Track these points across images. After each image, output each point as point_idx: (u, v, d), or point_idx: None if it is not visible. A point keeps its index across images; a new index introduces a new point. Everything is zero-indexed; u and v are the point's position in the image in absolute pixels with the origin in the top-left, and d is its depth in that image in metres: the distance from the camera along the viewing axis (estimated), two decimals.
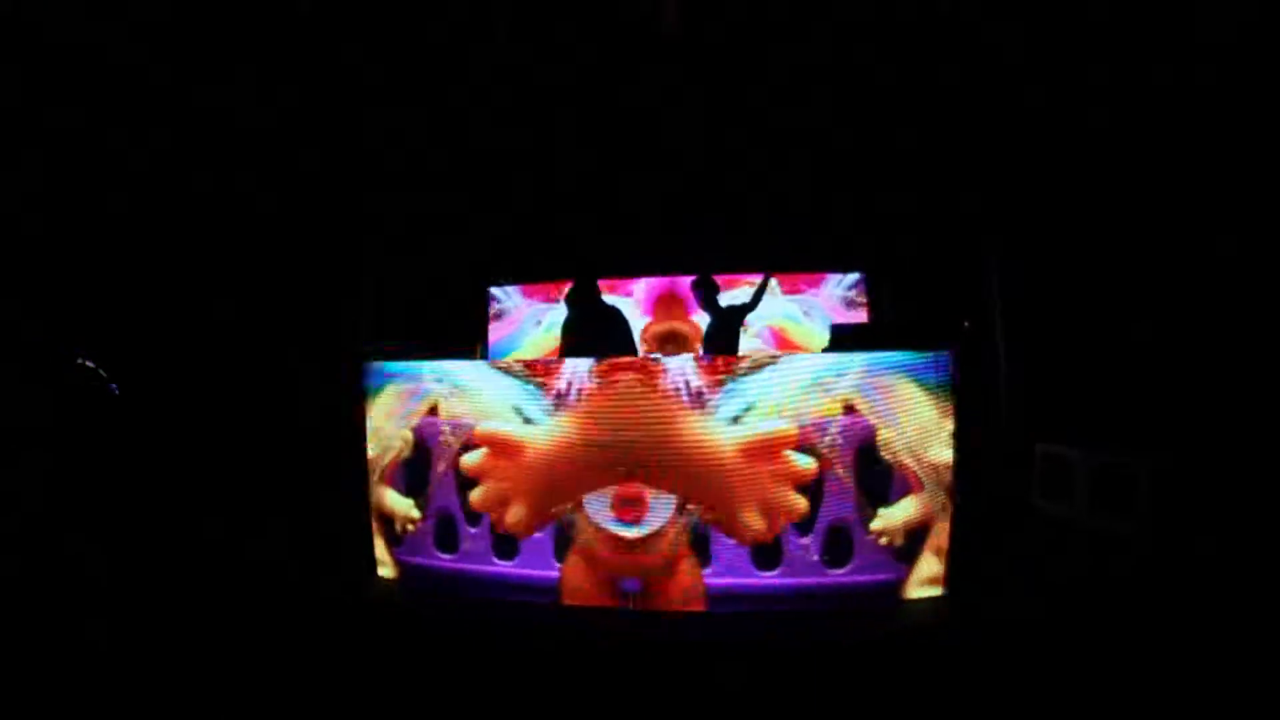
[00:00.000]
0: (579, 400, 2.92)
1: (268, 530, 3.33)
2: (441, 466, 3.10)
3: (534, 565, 3.03)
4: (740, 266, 4.53)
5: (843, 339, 3.25)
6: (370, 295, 3.86)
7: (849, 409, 2.83)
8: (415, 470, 3.16)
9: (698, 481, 2.86)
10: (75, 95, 3.16)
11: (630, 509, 2.91)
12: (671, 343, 4.64)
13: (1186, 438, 2.71)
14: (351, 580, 3.22)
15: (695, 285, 3.96)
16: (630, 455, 2.88)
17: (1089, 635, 2.52)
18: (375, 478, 3.23)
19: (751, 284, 4.26)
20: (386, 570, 3.25)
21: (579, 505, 2.95)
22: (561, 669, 2.64)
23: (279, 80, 3.35)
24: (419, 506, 3.16)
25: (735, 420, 2.84)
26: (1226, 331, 2.72)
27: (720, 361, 2.92)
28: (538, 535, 3.02)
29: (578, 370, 2.93)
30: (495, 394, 3.02)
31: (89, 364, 3.26)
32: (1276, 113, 2.61)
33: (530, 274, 4.69)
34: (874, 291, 4.75)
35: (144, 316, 3.59)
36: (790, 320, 4.70)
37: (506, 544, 3.06)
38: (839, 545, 2.87)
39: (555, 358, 3.55)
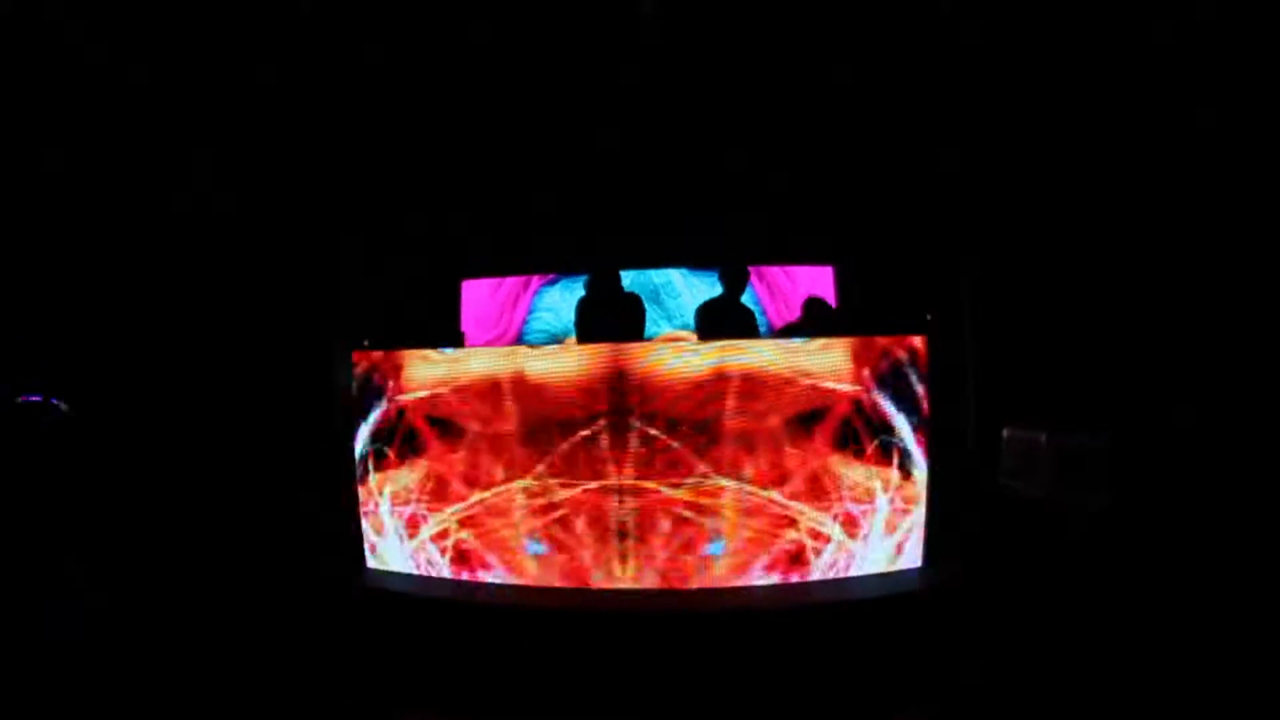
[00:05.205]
0: None
1: (256, 526, 3.30)
2: None
3: None
4: (718, 260, 4.59)
5: (819, 315, 3.35)
6: (352, 291, 3.82)
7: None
8: None
9: None
10: (62, 93, 3.07)
11: None
12: None
13: (1142, 417, 2.90)
14: (339, 575, 3.21)
15: (726, 271, 3.80)
16: None
17: (1051, 604, 2.68)
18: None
19: None
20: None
21: None
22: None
23: (261, 78, 3.30)
24: None
25: None
26: (1181, 319, 2.91)
27: None
28: None
29: None
30: None
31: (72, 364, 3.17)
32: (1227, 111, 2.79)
33: (508, 268, 4.70)
34: (844, 283, 4.91)
35: (126, 318, 3.52)
36: None
37: None
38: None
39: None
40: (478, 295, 4.90)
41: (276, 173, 3.66)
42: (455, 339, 4.49)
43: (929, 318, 3.45)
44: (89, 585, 3.03)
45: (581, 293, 3.87)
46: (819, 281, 4.87)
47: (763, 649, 2.67)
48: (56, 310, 3.36)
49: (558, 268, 4.79)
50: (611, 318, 3.51)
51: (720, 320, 3.62)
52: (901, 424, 3.00)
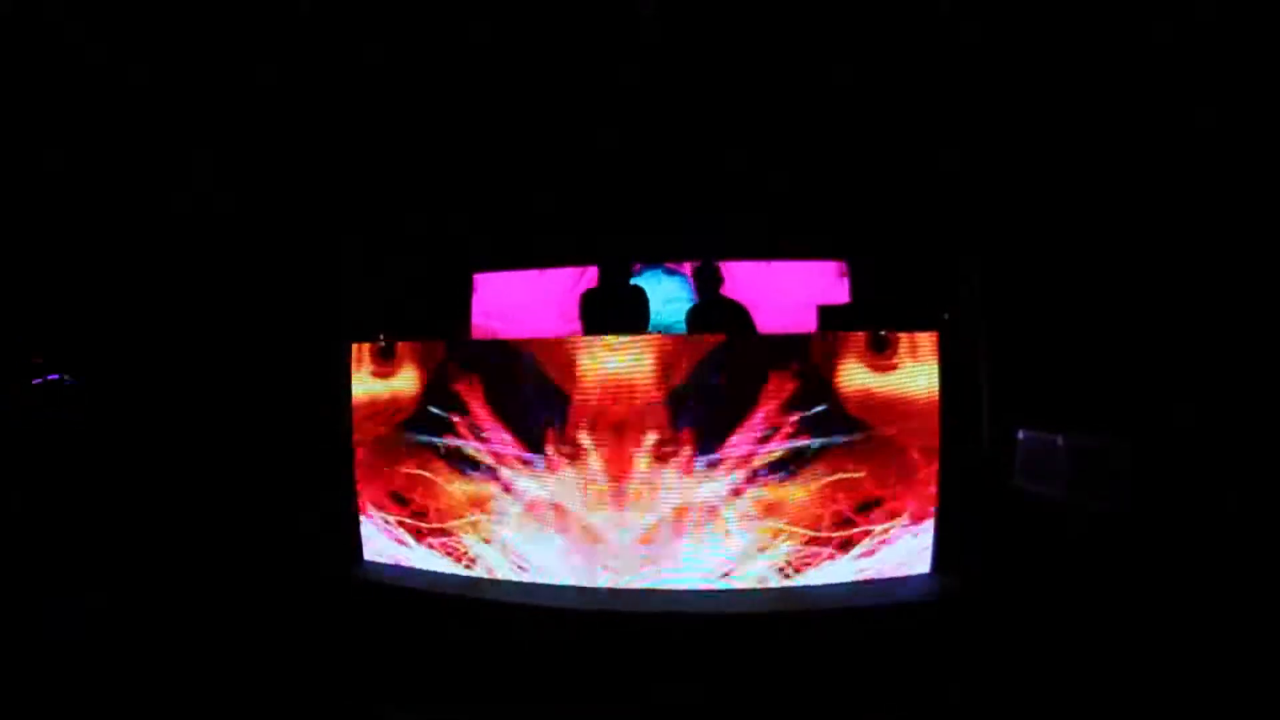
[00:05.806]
0: None
1: (255, 523, 3.31)
2: None
3: None
4: (727, 255, 4.54)
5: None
6: (354, 286, 3.84)
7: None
8: None
9: None
10: (62, 93, 3.11)
11: None
12: None
13: (1159, 420, 2.79)
14: (336, 571, 3.19)
15: (700, 270, 3.84)
16: None
17: (1066, 610, 2.58)
18: None
19: None
20: None
21: None
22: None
23: (261, 78, 3.33)
24: None
25: None
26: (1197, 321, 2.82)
27: None
28: None
29: None
30: None
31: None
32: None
33: (513, 262, 4.71)
34: (857, 279, 4.81)
35: (127, 318, 3.56)
36: None
37: None
38: None
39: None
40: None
41: (276, 172, 3.69)
42: (466, 333, 4.57)
43: (945, 316, 3.37)
44: (89, 585, 3.05)
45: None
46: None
47: (766, 654, 2.61)
48: (58, 311, 3.41)
49: (561, 263, 4.82)
50: (615, 310, 3.56)
51: (716, 319, 3.60)
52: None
